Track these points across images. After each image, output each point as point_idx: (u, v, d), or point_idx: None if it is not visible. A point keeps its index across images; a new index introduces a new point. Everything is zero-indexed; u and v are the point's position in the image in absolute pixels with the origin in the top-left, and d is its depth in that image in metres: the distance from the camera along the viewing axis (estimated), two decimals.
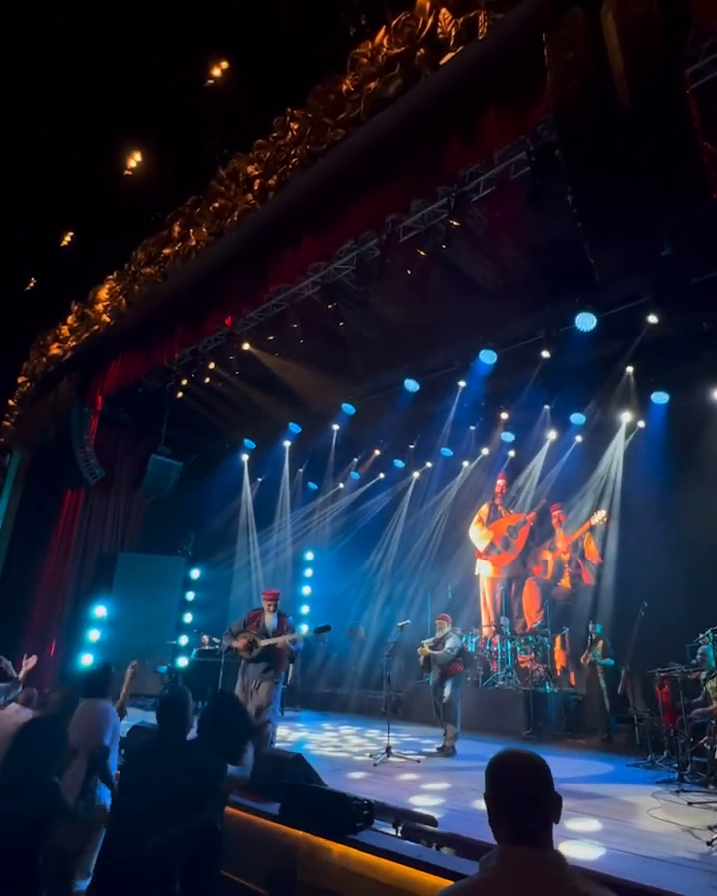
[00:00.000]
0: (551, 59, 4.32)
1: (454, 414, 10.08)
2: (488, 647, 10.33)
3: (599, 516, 9.88)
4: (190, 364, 9.78)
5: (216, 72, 8.20)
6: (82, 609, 11.08)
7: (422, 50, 5.33)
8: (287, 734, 8.13)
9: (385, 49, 5.65)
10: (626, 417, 9.34)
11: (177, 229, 8.32)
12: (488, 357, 8.55)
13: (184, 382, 10.10)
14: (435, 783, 5.52)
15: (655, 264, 4.89)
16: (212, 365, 9.78)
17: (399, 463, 12.33)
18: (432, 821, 4.10)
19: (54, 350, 11.08)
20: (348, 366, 9.57)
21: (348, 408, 10.54)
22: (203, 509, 12.73)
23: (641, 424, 9.28)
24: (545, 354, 8.27)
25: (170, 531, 12.55)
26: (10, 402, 12.44)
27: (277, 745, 6.44)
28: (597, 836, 4.05)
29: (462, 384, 9.45)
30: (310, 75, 6.47)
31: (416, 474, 12.41)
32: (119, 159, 9.50)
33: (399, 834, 3.74)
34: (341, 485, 12.97)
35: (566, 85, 4.29)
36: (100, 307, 9.91)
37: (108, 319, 9.68)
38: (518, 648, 9.92)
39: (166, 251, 8.46)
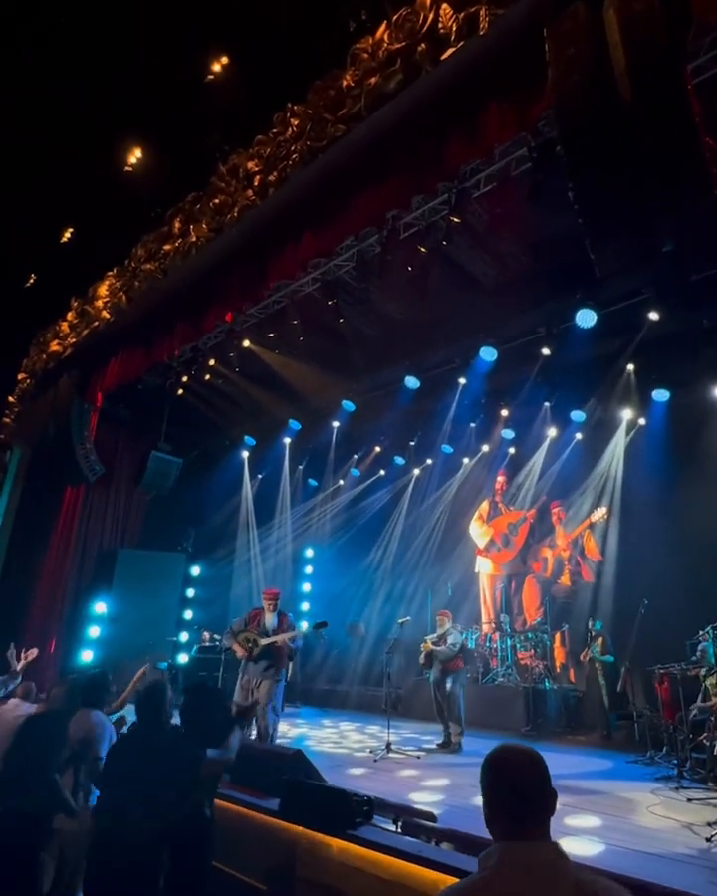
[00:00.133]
0: (552, 54, 4.30)
1: (454, 411, 10.07)
2: (488, 644, 10.35)
3: (600, 513, 9.89)
4: (190, 361, 9.76)
5: (216, 68, 8.16)
6: (82, 606, 11.09)
7: (423, 45, 5.30)
8: (287, 730, 8.15)
9: (386, 44, 5.62)
10: (627, 414, 9.33)
11: (177, 225, 8.29)
12: (488, 354, 8.54)
13: (184, 379, 10.09)
14: (435, 779, 5.53)
15: (656, 260, 4.87)
16: (212, 362, 9.77)
17: (400, 460, 12.33)
18: (432, 817, 4.11)
19: (54, 347, 11.06)
20: (348, 363, 9.56)
21: (348, 405, 10.54)
22: (203, 505, 12.74)
23: (642, 421, 9.28)
24: (545, 351, 8.25)
25: (170, 527, 12.55)
26: (10, 399, 12.43)
27: (277, 741, 6.47)
28: (597, 832, 4.06)
29: (462, 381, 9.44)
30: (310, 70, 6.43)
31: (416, 471, 12.41)
32: (118, 156, 9.47)
33: (399, 830, 3.74)
34: (341, 482, 12.97)
35: (567, 80, 4.27)
36: (100, 303, 9.89)
37: (108, 315, 9.66)
38: (518, 645, 9.94)
39: (166, 247, 8.43)
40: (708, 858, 3.57)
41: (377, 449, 12.09)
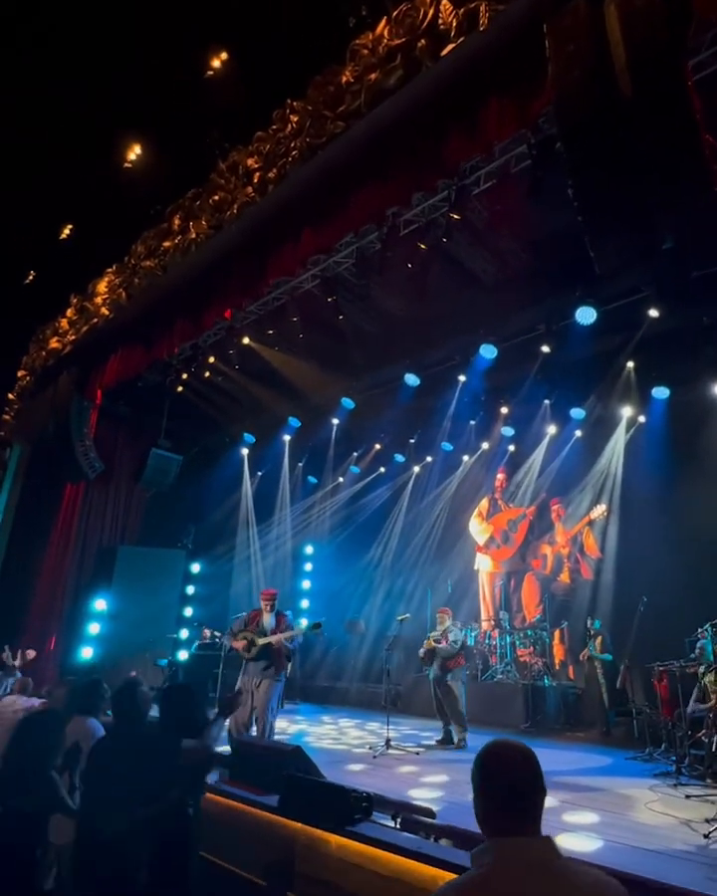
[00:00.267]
0: (552, 50, 4.29)
1: (454, 408, 10.08)
2: (487, 641, 10.37)
3: (599, 511, 9.89)
4: (190, 358, 9.76)
5: (216, 64, 8.14)
6: (82, 603, 11.10)
7: (423, 41, 5.28)
8: (286, 727, 8.17)
9: (386, 40, 5.60)
10: (627, 412, 9.33)
11: (177, 222, 8.28)
12: (488, 352, 8.54)
13: (184, 376, 10.09)
14: (434, 775, 5.55)
15: (656, 257, 4.85)
16: (212, 359, 9.77)
17: (399, 457, 12.33)
18: (430, 813, 4.12)
19: (53, 344, 11.06)
20: (348, 360, 9.56)
21: (347, 402, 10.54)
22: (203, 503, 12.75)
23: (642, 419, 9.28)
24: (545, 349, 8.26)
25: (170, 524, 12.56)
26: (10, 396, 12.43)
27: (276, 738, 6.50)
28: (595, 829, 4.07)
29: (462, 378, 9.44)
30: (310, 66, 6.42)
31: (416, 468, 12.41)
32: (118, 153, 9.46)
33: (398, 826, 3.75)
34: (341, 479, 12.98)
35: (567, 76, 4.26)
36: (99, 300, 9.88)
37: (107, 312, 9.65)
38: (517, 642, 9.96)
39: (166, 244, 8.42)
40: (706, 854, 3.58)
41: (377, 446, 12.10)
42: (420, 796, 4.74)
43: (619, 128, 4.07)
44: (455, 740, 7.09)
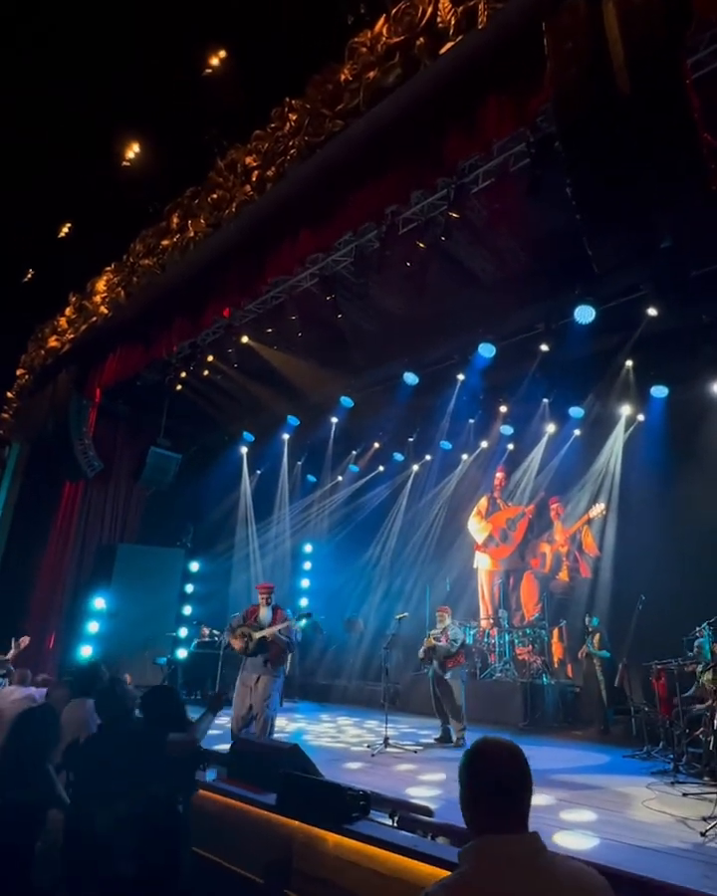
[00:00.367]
0: (551, 48, 4.29)
1: (453, 407, 10.08)
2: (486, 639, 10.38)
3: (598, 509, 9.90)
4: (189, 357, 9.76)
5: (214, 62, 8.13)
6: (81, 601, 11.11)
7: (422, 39, 5.28)
8: (285, 725, 8.17)
9: (384, 38, 5.60)
10: (625, 410, 9.33)
11: (175, 220, 8.27)
12: (487, 350, 8.53)
13: (183, 375, 10.08)
14: (431, 773, 5.55)
15: (655, 256, 4.87)
16: (211, 358, 9.77)
17: (398, 456, 12.33)
18: (428, 811, 4.13)
19: (52, 343, 11.05)
20: (346, 359, 9.56)
21: (346, 401, 10.54)
22: (202, 501, 12.76)
23: (640, 417, 9.28)
24: (544, 347, 8.26)
25: (169, 523, 12.57)
26: (9, 394, 12.43)
27: (275, 736, 6.50)
28: (591, 826, 4.08)
29: (461, 377, 9.44)
30: (308, 65, 6.41)
31: (415, 467, 12.42)
32: (117, 152, 9.45)
33: (395, 824, 3.77)
34: (339, 478, 12.98)
35: (565, 74, 4.26)
36: (98, 299, 9.88)
37: (106, 311, 9.65)
38: (516, 640, 9.96)
39: (164, 242, 8.42)
40: (702, 852, 3.59)
41: (376, 445, 12.10)
42: (418, 795, 4.74)
43: (617, 127, 4.07)
44: (453, 738, 7.10)
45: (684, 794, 4.87)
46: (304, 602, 12.98)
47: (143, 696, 3.18)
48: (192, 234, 7.87)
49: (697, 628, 6.60)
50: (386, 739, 6.69)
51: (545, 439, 10.50)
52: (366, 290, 7.75)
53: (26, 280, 12.81)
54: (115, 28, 9.10)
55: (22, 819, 2.76)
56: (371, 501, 12.78)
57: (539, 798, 4.71)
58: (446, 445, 11.46)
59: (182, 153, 8.66)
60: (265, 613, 6.42)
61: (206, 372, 10.12)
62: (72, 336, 10.56)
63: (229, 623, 6.71)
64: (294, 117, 6.58)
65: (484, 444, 11.30)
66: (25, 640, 5.05)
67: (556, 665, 9.57)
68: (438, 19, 5.16)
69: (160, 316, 8.52)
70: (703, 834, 3.85)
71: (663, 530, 8.42)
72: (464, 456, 11.71)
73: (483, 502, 11.64)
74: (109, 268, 9.80)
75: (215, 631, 10.59)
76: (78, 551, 11.63)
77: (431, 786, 5.07)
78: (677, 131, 3.92)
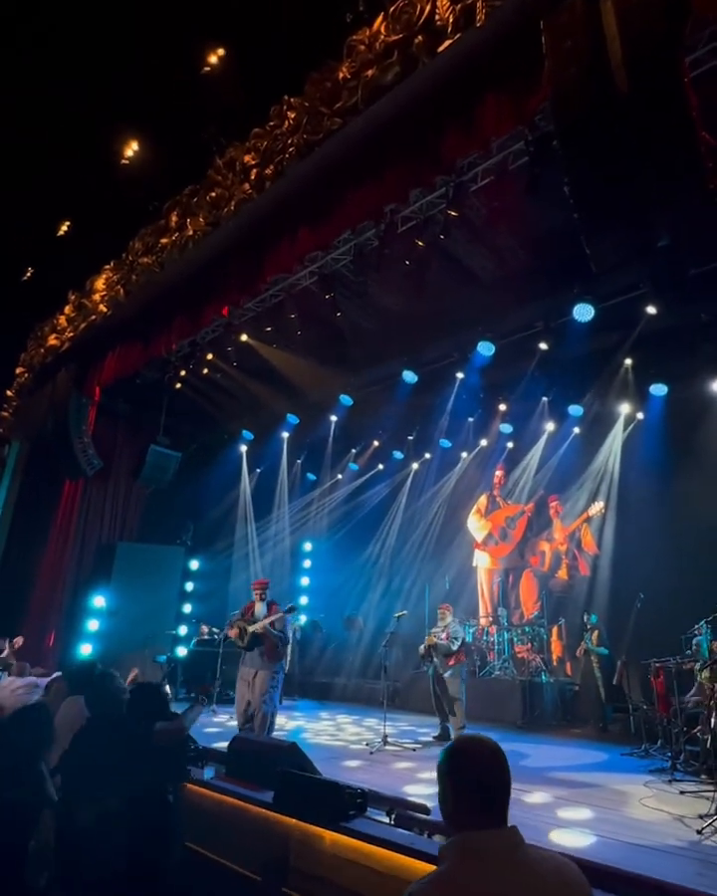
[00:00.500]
0: (549, 46, 4.28)
1: (452, 405, 10.08)
2: (485, 637, 10.39)
3: (597, 507, 9.90)
4: (188, 355, 9.76)
5: (213, 61, 8.11)
6: (81, 599, 11.13)
7: (420, 37, 5.27)
8: (284, 722, 8.19)
9: (383, 36, 5.58)
10: (624, 409, 9.33)
11: (174, 219, 8.26)
12: (486, 348, 8.53)
13: (183, 373, 10.09)
14: (430, 771, 5.55)
15: (653, 255, 4.86)
16: (210, 356, 9.78)
17: (398, 454, 12.34)
18: (425, 809, 4.14)
19: (52, 341, 11.05)
20: (346, 357, 9.57)
21: (346, 399, 10.54)
22: (202, 500, 12.77)
23: (640, 416, 9.28)
24: (543, 346, 8.26)
25: (169, 521, 12.58)
26: (8, 393, 12.44)
27: (275, 733, 6.54)
28: (588, 824, 4.09)
29: (460, 375, 9.44)
30: (307, 63, 6.39)
31: (415, 465, 12.42)
32: (116, 151, 9.44)
33: (392, 822, 3.78)
34: (339, 476, 12.99)
35: (564, 73, 4.25)
36: (97, 297, 9.87)
37: (105, 309, 9.64)
38: (515, 638, 9.97)
39: (163, 241, 8.41)
40: (698, 850, 3.60)
41: (375, 443, 12.10)
42: (416, 793, 4.75)
43: (616, 125, 4.07)
44: (452, 736, 7.11)
45: (682, 792, 4.88)
46: (304, 600, 13.01)
47: (131, 693, 3.19)
48: (191, 232, 7.86)
49: (695, 626, 6.62)
50: (385, 737, 6.71)
51: (544, 437, 10.50)
52: (366, 288, 7.76)
53: (26, 278, 12.81)
54: (114, 28, 9.10)
55: (15, 818, 2.77)
56: (371, 499, 12.79)
57: (536, 796, 4.74)
58: (445, 443, 11.46)
59: (181, 152, 8.65)
60: (260, 609, 6.58)
61: (206, 371, 10.13)
62: (71, 334, 10.55)
63: (229, 620, 6.84)
64: (292, 116, 6.56)
65: (483, 442, 11.30)
66: (19, 640, 5.12)
67: (555, 663, 9.58)
68: (436, 17, 5.15)
69: (160, 314, 8.52)
70: (699, 832, 3.87)
71: (662, 528, 8.42)
72: (463, 454, 11.71)
73: (482, 500, 11.64)
74: (108, 266, 9.79)
75: (215, 629, 10.60)
76: (78, 549, 11.64)
77: (429, 784, 5.08)
78: (676, 130, 3.91)
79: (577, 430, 10.09)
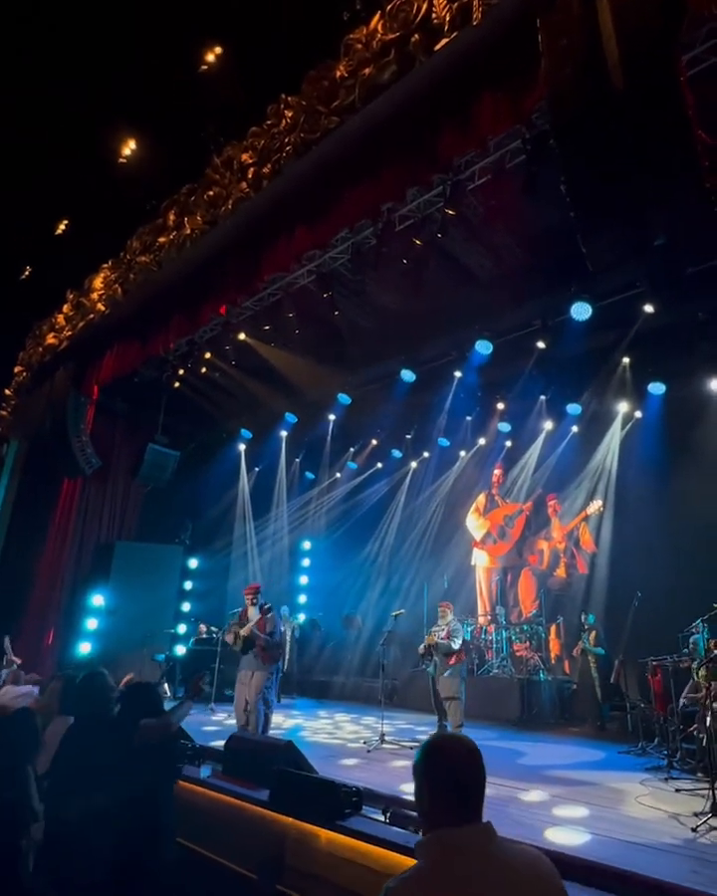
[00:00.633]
0: (545, 44, 4.27)
1: (450, 404, 10.07)
2: (483, 636, 10.39)
3: (595, 506, 9.89)
4: (186, 354, 9.76)
5: (210, 59, 8.10)
6: (80, 598, 11.13)
7: (417, 35, 5.26)
8: (282, 721, 8.21)
9: (380, 34, 5.57)
10: (622, 407, 9.33)
11: (172, 218, 8.25)
12: (484, 347, 8.52)
13: (181, 372, 10.09)
14: None
15: (650, 253, 4.85)
16: (208, 355, 9.77)
17: (396, 453, 12.34)
18: None
19: (50, 340, 11.05)
20: (344, 356, 9.55)
21: (344, 398, 10.54)
22: (200, 498, 12.77)
23: (638, 414, 9.27)
24: (541, 344, 8.25)
25: (168, 520, 12.58)
26: (6, 391, 12.44)
27: (272, 732, 6.59)
28: (583, 822, 4.09)
29: (458, 374, 9.44)
30: (304, 61, 6.38)
31: (413, 464, 12.42)
32: (114, 149, 9.43)
33: (388, 820, 3.78)
34: (337, 475, 12.99)
35: (560, 71, 4.24)
36: (95, 296, 9.86)
37: (103, 308, 9.63)
38: (513, 637, 9.98)
39: (161, 239, 8.40)
40: (692, 848, 3.61)
41: (374, 442, 12.10)
42: (412, 791, 4.75)
43: (612, 123, 4.06)
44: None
45: (677, 790, 4.89)
46: (302, 599, 13.02)
47: (121, 695, 3.19)
48: (189, 231, 7.85)
49: (692, 625, 6.61)
50: (383, 735, 6.72)
51: (542, 436, 10.50)
52: (363, 287, 7.76)
53: (24, 277, 12.80)
54: (113, 27, 9.09)
55: (14, 818, 2.78)
56: (369, 498, 12.79)
57: (533, 794, 4.75)
58: (444, 442, 11.46)
59: (179, 151, 8.64)
60: (252, 613, 6.75)
61: (204, 369, 10.12)
62: (69, 333, 10.55)
63: (227, 624, 7.08)
64: (290, 114, 6.55)
65: (482, 441, 11.30)
66: (17, 660, 5.20)
67: (553, 661, 9.59)
68: (433, 15, 5.14)
69: (158, 313, 8.52)
70: (694, 830, 3.88)
71: (660, 526, 8.42)
72: (462, 453, 11.71)
73: (481, 499, 11.64)
74: (106, 265, 9.78)
75: (213, 628, 10.61)
76: (76, 548, 11.64)
77: None
78: (672, 128, 3.91)
79: (575, 429, 10.09)
